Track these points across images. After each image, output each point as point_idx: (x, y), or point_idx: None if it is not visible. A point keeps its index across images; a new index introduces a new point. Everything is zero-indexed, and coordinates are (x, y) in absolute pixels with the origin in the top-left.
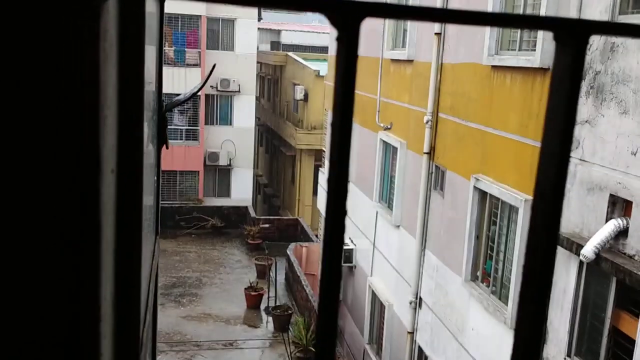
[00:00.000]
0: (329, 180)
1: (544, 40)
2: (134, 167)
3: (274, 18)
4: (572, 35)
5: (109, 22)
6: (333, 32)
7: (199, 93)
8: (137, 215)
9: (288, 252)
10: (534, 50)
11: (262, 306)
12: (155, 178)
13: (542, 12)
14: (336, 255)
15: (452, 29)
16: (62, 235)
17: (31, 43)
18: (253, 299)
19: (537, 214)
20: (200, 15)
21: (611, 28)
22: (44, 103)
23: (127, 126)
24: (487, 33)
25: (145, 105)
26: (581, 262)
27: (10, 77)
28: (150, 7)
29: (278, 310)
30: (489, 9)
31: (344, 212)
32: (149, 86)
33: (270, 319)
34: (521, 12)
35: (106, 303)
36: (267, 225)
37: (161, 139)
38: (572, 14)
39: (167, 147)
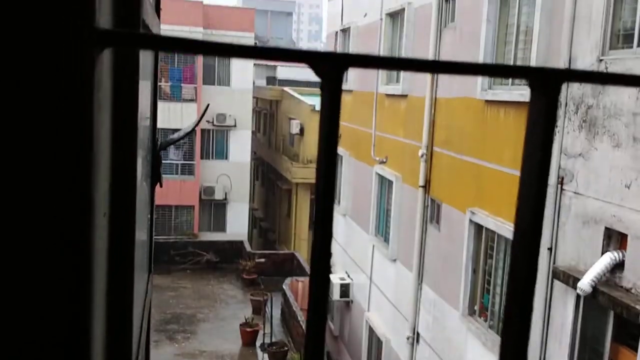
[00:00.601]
0: (314, 234)
1: None
2: (127, 210)
3: None
4: (546, 84)
5: (103, 72)
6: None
7: (194, 128)
8: (129, 257)
9: (284, 287)
10: (527, 85)
11: (258, 343)
12: (149, 216)
13: (534, 47)
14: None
15: None
16: (53, 278)
17: (27, 91)
18: (248, 336)
19: (517, 256)
20: None
21: (583, 76)
22: (36, 150)
23: (120, 171)
24: None
25: (139, 144)
26: (578, 296)
27: (5, 122)
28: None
29: (274, 347)
30: (481, 47)
31: (328, 256)
32: (144, 125)
33: (266, 356)
34: (513, 46)
35: (97, 343)
36: (262, 260)
37: (155, 178)
38: (564, 49)
39: (160, 186)
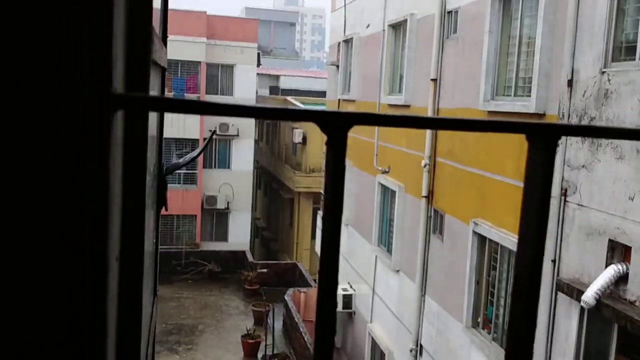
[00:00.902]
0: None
1: (539, 86)
2: (136, 251)
3: (273, 64)
4: (543, 138)
5: (116, 129)
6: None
7: (197, 137)
8: (137, 298)
9: (286, 297)
10: (529, 96)
11: (260, 354)
12: (154, 240)
13: (536, 58)
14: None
15: (448, 75)
16: (69, 327)
17: (52, 151)
18: (250, 347)
19: (516, 316)
20: (199, 62)
21: (579, 130)
22: (59, 208)
23: (130, 215)
24: (483, 78)
25: (147, 173)
26: (582, 309)
27: (29, 176)
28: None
29: (275, 359)
30: (483, 58)
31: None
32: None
33: None
34: (515, 57)
35: None
36: (264, 270)
37: (161, 202)
38: (566, 61)
39: (166, 209)
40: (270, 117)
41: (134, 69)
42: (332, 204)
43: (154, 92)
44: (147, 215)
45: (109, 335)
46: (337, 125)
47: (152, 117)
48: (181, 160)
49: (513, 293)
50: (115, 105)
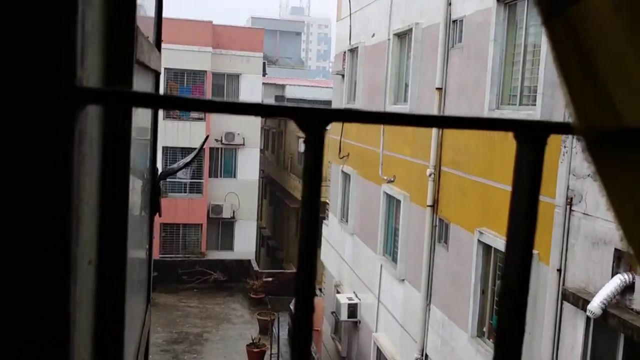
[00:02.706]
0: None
1: (544, 95)
2: (117, 254)
3: (279, 73)
4: (532, 136)
5: (88, 124)
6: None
7: (194, 159)
8: (119, 303)
9: (291, 307)
10: (535, 104)
11: None
12: (147, 247)
13: (542, 67)
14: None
15: (453, 84)
16: (28, 332)
17: (7, 146)
18: (255, 356)
19: (505, 315)
20: (205, 71)
21: (568, 128)
22: (13, 201)
23: (109, 217)
24: (488, 87)
25: (138, 175)
26: (588, 318)
27: None
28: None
29: None
30: (488, 67)
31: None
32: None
33: None
34: (520, 66)
35: None
36: (270, 279)
37: (154, 208)
38: None
39: (160, 216)
40: (246, 112)
41: (115, 67)
42: (309, 201)
43: (147, 89)
44: (139, 220)
45: (76, 341)
46: (314, 122)
47: (144, 121)
48: (175, 165)
49: (500, 295)
50: (81, 100)
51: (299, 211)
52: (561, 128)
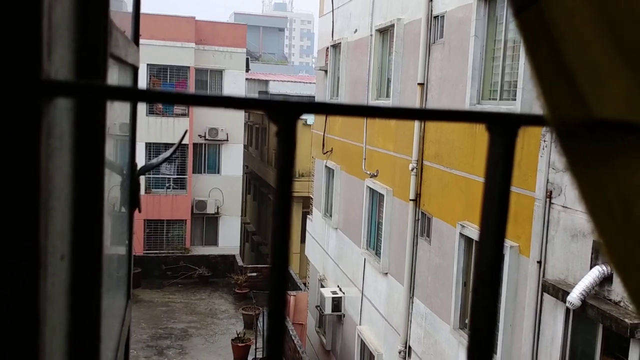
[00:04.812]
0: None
1: (524, 89)
2: (92, 248)
3: (262, 69)
4: (503, 127)
5: (57, 117)
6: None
7: (187, 142)
8: (95, 296)
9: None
10: (515, 99)
11: (250, 357)
12: (127, 242)
13: (522, 62)
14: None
15: (434, 79)
16: None
17: None
18: (240, 351)
19: (477, 303)
20: (188, 67)
21: (540, 120)
22: None
23: (83, 211)
24: (469, 82)
25: (117, 170)
26: (568, 309)
27: None
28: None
29: None
30: (469, 62)
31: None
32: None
33: None
34: (501, 61)
35: None
36: (254, 274)
37: (133, 203)
38: None
39: (139, 211)
40: (218, 104)
41: (87, 61)
42: (281, 193)
43: (125, 84)
44: (117, 215)
45: (47, 335)
46: (285, 114)
47: (122, 115)
48: (154, 160)
49: (474, 285)
50: (47, 92)
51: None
52: (532, 120)
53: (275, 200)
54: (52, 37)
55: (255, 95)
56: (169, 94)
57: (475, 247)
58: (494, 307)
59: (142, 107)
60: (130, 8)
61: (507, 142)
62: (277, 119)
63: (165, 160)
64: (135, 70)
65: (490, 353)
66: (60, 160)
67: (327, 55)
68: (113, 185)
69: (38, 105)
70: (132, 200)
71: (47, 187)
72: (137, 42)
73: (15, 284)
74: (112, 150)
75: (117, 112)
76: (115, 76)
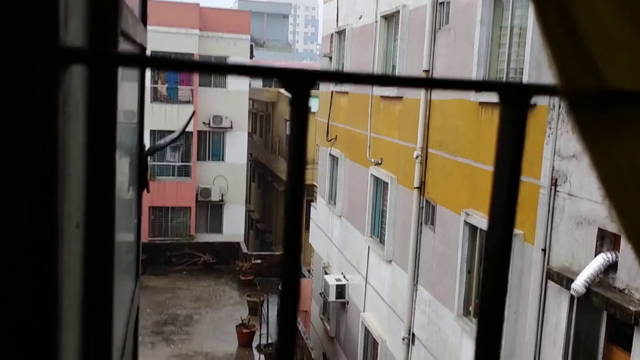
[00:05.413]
0: (285, 229)
1: (530, 76)
2: (105, 220)
3: (266, 56)
4: (516, 98)
5: (72, 84)
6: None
7: (191, 130)
8: (108, 269)
9: (280, 288)
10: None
11: (254, 344)
12: (136, 221)
13: (527, 48)
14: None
15: (440, 66)
16: (14, 299)
17: None
18: (245, 337)
19: (487, 278)
20: (193, 54)
21: (551, 90)
22: None
23: (97, 180)
24: (475, 69)
25: (125, 150)
26: (572, 297)
27: None
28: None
29: (270, 348)
30: (475, 48)
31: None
32: (130, 131)
33: (263, 356)
34: (507, 48)
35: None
36: (259, 261)
37: (142, 183)
38: None
39: (147, 191)
40: (230, 72)
41: (98, 35)
42: (294, 164)
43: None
44: (127, 192)
45: (64, 302)
46: (299, 82)
47: (132, 95)
48: (162, 141)
49: (484, 266)
50: (64, 60)
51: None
52: (544, 90)
53: (289, 169)
54: (68, 10)
55: (259, 84)
56: (181, 61)
57: (480, 235)
58: (504, 286)
59: (146, 95)
60: None
61: (519, 112)
62: (292, 87)
63: (173, 140)
64: (143, 50)
65: (499, 334)
66: (75, 128)
67: (331, 42)
68: (123, 163)
69: (56, 72)
70: (141, 181)
71: (63, 154)
72: (144, 23)
73: (34, 250)
74: (121, 131)
75: (125, 96)
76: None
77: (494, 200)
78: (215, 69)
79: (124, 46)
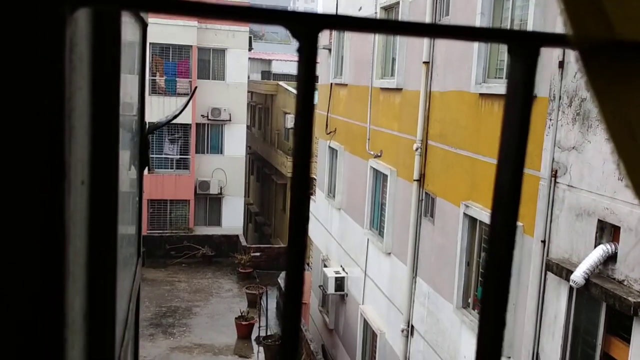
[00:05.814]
0: (292, 186)
1: None
2: (108, 178)
3: (265, 48)
4: (525, 47)
5: (77, 34)
6: (295, 45)
7: (190, 122)
8: (112, 224)
9: (279, 280)
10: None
11: (253, 336)
12: (138, 199)
13: (530, 14)
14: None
15: (440, 58)
16: (23, 245)
17: None
18: (244, 329)
19: (495, 226)
20: (191, 46)
21: (562, 39)
22: (5, 112)
23: (101, 138)
24: (475, 62)
25: (127, 127)
26: (571, 288)
27: None
28: (133, 34)
29: (269, 340)
30: (474, 51)
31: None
32: (131, 108)
33: (262, 348)
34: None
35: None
36: (258, 254)
37: (143, 161)
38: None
39: (149, 171)
40: (235, 17)
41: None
42: (302, 113)
43: (134, 41)
44: (129, 168)
45: (70, 255)
46: (307, 27)
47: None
48: (163, 119)
49: (492, 209)
50: (72, 1)
51: (286, 187)
52: (554, 39)
53: (296, 124)
54: None
55: (259, 76)
56: (192, 3)
57: (479, 227)
58: (513, 232)
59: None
60: None
61: (528, 63)
62: (299, 33)
63: (174, 118)
64: (144, 27)
65: (502, 326)
66: (80, 82)
67: (331, 34)
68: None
69: (63, 14)
70: (142, 159)
71: (70, 102)
72: None
73: (42, 197)
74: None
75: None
76: (126, 28)
77: (503, 149)
78: (219, 12)
79: (126, 21)
